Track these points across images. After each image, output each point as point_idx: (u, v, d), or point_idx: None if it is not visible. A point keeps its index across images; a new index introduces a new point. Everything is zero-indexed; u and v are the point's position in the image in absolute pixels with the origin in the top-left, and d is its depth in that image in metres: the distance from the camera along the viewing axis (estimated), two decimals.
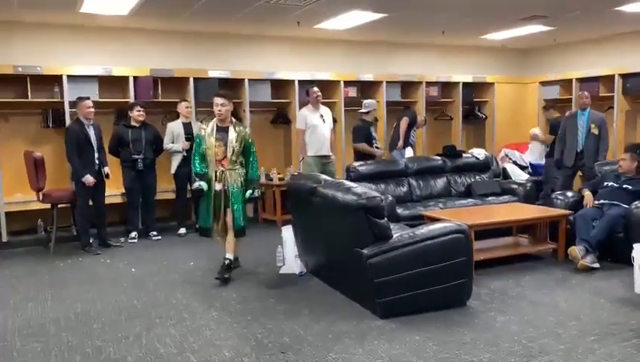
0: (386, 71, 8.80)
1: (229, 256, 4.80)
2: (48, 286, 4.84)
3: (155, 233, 6.66)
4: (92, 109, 6.04)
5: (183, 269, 5.29)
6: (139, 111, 6.48)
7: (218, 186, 4.71)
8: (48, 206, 6.18)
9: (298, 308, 4.07)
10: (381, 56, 8.97)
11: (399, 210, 5.86)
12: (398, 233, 3.92)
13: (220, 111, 4.68)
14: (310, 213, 4.61)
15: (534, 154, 8.94)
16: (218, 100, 4.69)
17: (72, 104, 6.44)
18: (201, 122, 5.40)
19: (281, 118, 8.23)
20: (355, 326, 3.66)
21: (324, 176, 4.68)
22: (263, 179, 7.48)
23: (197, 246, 6.21)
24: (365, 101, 7.39)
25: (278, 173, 7.43)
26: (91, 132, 6.03)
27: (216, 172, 4.73)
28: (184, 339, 3.52)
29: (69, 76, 6.60)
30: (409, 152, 7.77)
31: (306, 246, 4.86)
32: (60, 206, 6.22)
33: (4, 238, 6.37)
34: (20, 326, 3.82)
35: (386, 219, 3.85)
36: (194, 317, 3.93)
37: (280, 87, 8.06)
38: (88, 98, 6.12)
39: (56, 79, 6.64)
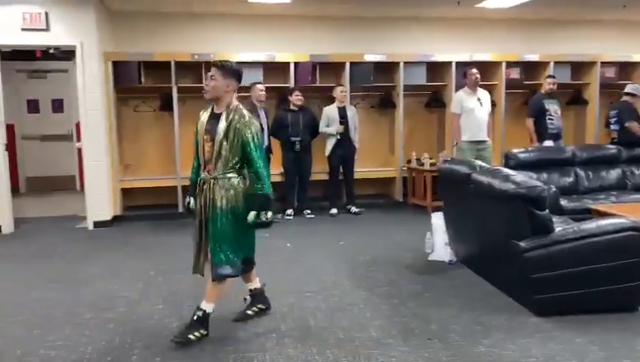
0: (553, 50, 8.13)
1: (204, 306, 3.29)
2: None
3: (308, 211, 6.97)
4: (264, 93, 6.47)
5: (333, 247, 5.46)
6: (297, 95, 6.79)
7: (202, 200, 3.26)
8: None
9: (446, 297, 3.99)
10: (548, 34, 8.31)
11: (563, 202, 5.42)
12: (561, 227, 3.64)
13: (205, 86, 3.38)
14: (463, 201, 4.45)
15: None
16: (210, 71, 3.30)
17: (241, 89, 6.92)
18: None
19: (435, 101, 8.05)
20: (507, 321, 3.48)
21: (479, 162, 4.48)
22: (414, 164, 7.41)
23: (347, 227, 6.39)
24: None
25: (430, 158, 7.29)
26: (262, 114, 6.47)
27: (199, 180, 3.32)
28: (333, 315, 3.65)
29: (238, 62, 7.08)
30: None
31: (457, 235, 4.72)
32: None
33: (180, 209, 7.13)
34: (191, 289, 4.23)
35: (547, 210, 3.58)
36: (342, 295, 4.05)
37: (435, 69, 7.87)
38: (260, 82, 6.56)
39: None
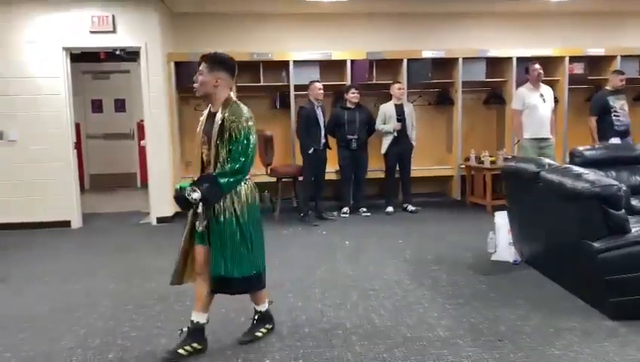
0: (619, 44, 7.81)
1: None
2: (274, 249, 5.35)
3: (364, 209, 6.95)
4: (322, 91, 6.51)
5: (391, 246, 5.43)
6: (353, 93, 6.79)
7: (199, 208, 2.94)
8: (274, 179, 6.86)
9: (513, 297, 3.89)
10: (614, 27, 8.00)
11: (634, 202, 5.19)
12: (638, 227, 3.49)
13: (194, 83, 3.04)
14: (530, 200, 4.34)
15: None
16: (200, 68, 3.01)
17: (297, 87, 7.05)
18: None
19: (494, 97, 7.88)
20: (580, 324, 3.37)
21: (547, 160, 4.36)
22: (473, 162, 7.28)
23: (405, 225, 6.35)
24: None
25: (490, 156, 7.14)
26: (319, 112, 6.51)
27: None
28: (397, 313, 3.63)
29: (294, 61, 7.17)
30: None
31: (523, 234, 4.60)
32: (283, 180, 6.86)
33: None
34: None
35: (623, 210, 3.45)
36: (405, 293, 4.02)
37: (495, 65, 7.70)
38: (319, 81, 6.61)
39: (284, 64, 7.27)
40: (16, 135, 6.47)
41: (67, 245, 5.83)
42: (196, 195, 2.81)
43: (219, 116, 2.92)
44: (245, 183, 3.00)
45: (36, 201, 6.53)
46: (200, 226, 2.94)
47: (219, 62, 2.98)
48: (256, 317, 3.31)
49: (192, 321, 3.07)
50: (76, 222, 6.65)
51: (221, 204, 2.93)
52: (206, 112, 3.06)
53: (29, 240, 6.01)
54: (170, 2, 6.93)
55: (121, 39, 6.58)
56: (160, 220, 6.77)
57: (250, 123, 2.92)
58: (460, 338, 3.21)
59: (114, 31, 6.48)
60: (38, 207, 6.54)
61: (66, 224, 6.62)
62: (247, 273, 3.05)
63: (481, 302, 3.82)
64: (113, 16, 6.45)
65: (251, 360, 3.01)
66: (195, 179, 2.93)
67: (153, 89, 6.68)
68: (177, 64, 7.03)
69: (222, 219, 2.94)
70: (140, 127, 7.01)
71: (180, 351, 3.02)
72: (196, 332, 3.07)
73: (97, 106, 9.86)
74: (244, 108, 2.96)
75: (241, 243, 3.00)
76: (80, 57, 8.03)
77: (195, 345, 3.05)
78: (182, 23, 7.42)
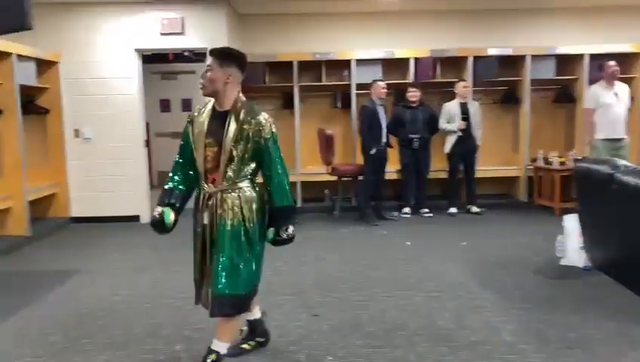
0: None
1: (216, 346, 2.83)
2: (334, 248, 5.43)
3: (426, 210, 6.86)
4: (385, 90, 6.48)
5: (455, 248, 5.33)
6: (411, 92, 6.71)
7: (203, 220, 2.74)
8: (335, 178, 6.88)
9: (583, 304, 3.74)
10: None
11: None
12: None
13: (201, 80, 2.70)
14: (604, 203, 4.14)
15: None
16: (207, 65, 2.72)
17: (359, 86, 7.05)
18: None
19: (564, 96, 7.56)
20: None
21: (623, 162, 4.14)
22: (540, 163, 7.03)
23: (469, 227, 6.23)
24: None
25: (559, 157, 6.87)
26: (381, 111, 6.48)
27: (200, 193, 2.77)
28: (462, 316, 3.56)
29: (356, 60, 7.17)
30: None
31: (595, 239, 4.40)
32: (344, 179, 6.87)
33: (299, 204, 7.33)
34: (316, 281, 4.36)
35: None
36: (469, 296, 3.94)
37: (565, 62, 7.39)
38: (381, 80, 6.58)
39: (346, 64, 7.28)
40: (91, 133, 6.81)
41: (136, 239, 6.08)
42: (291, 229, 2.77)
43: (233, 117, 2.64)
44: (252, 187, 2.73)
45: (108, 196, 6.85)
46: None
47: (230, 57, 2.70)
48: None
49: (247, 321, 3.07)
50: (145, 217, 6.93)
51: (232, 211, 2.67)
52: (207, 112, 2.73)
53: (101, 234, 6.32)
54: (236, 4, 7.09)
55: (189, 41, 6.79)
56: None
57: (274, 126, 2.72)
58: (526, 344, 3.11)
59: (183, 33, 6.70)
60: (110, 202, 6.86)
61: (136, 218, 6.91)
62: (255, 284, 2.86)
63: (549, 307, 3.69)
64: (182, 19, 6.67)
65: (314, 356, 3.04)
66: (273, 219, 2.75)
67: None
68: None
69: (228, 226, 2.67)
70: None
71: (244, 346, 3.06)
72: (256, 326, 3.09)
73: (165, 106, 10.22)
74: (261, 111, 2.70)
75: (252, 255, 2.76)
76: (150, 58, 8.35)
77: (257, 339, 3.10)
78: (247, 24, 7.57)
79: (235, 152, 2.63)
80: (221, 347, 2.81)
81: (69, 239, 6.16)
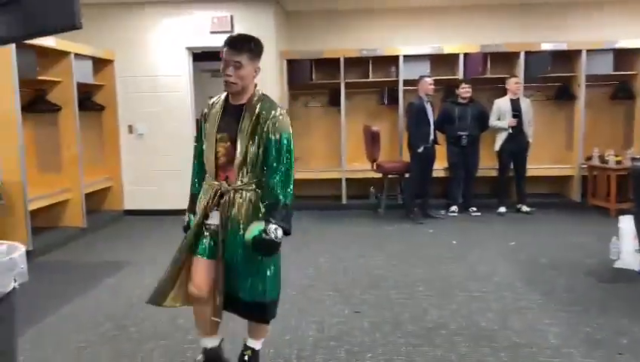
0: None
1: (252, 343, 2.71)
2: (378, 246, 5.40)
3: (474, 209, 6.73)
4: (432, 86, 6.39)
5: (503, 247, 5.21)
6: (464, 88, 6.58)
7: (213, 219, 2.52)
8: (380, 175, 6.85)
9: (637, 308, 3.59)
10: None
11: None
12: None
13: (228, 77, 2.40)
14: None
15: None
16: (229, 54, 2.40)
17: (406, 82, 6.98)
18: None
19: (622, 92, 7.24)
20: None
21: None
22: (595, 161, 6.76)
23: (518, 226, 6.08)
24: None
25: (616, 156, 6.58)
26: (429, 108, 6.40)
27: (209, 190, 2.54)
28: (505, 317, 3.48)
29: (404, 56, 7.10)
30: None
31: None
32: (390, 176, 6.83)
33: (344, 201, 7.33)
34: (358, 278, 4.36)
35: None
36: (515, 297, 3.85)
37: (624, 57, 7.06)
38: (429, 76, 6.49)
39: (393, 60, 7.22)
40: (144, 129, 7.03)
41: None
42: (280, 232, 2.36)
43: (249, 111, 2.43)
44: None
45: (159, 191, 7.06)
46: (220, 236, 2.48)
47: (259, 49, 2.46)
48: (246, 357, 2.69)
49: (204, 349, 2.69)
50: None
51: (247, 212, 2.46)
52: (219, 105, 2.53)
53: (153, 227, 6.52)
54: (284, 1, 7.16)
55: None
56: None
57: (290, 125, 2.49)
58: (573, 348, 3.01)
59: (232, 30, 6.81)
60: (161, 196, 7.06)
61: (184, 212, 7.07)
62: (277, 295, 2.61)
63: (600, 310, 3.56)
64: (231, 17, 6.79)
65: (354, 352, 3.04)
66: (266, 213, 2.40)
67: (266, 86, 6.87)
68: (289, 62, 7.24)
69: (241, 230, 2.44)
70: None
71: None
72: (214, 358, 2.69)
73: None
74: (279, 105, 2.52)
75: (271, 260, 2.52)
76: (200, 56, 8.54)
77: None
78: (294, 21, 7.63)
79: (250, 149, 2.41)
80: (257, 344, 2.70)
81: (122, 231, 6.40)
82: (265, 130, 2.41)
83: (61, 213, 6.10)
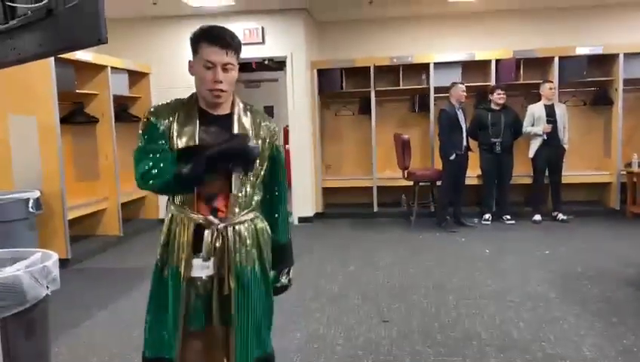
0: None
1: None
2: (409, 254, 5.36)
3: (508, 217, 6.60)
4: (465, 93, 6.34)
5: (538, 257, 5.09)
6: (499, 94, 6.49)
7: (202, 271, 1.89)
8: (411, 183, 6.80)
9: None
10: None
11: None
12: None
13: (219, 84, 1.86)
14: None
15: None
16: (216, 54, 1.87)
17: (437, 89, 6.93)
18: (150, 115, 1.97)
19: None
20: None
21: None
22: (635, 168, 6.56)
23: (554, 235, 5.94)
24: None
25: None
26: (461, 115, 6.33)
27: (188, 229, 1.90)
28: (539, 328, 3.40)
29: (435, 63, 7.05)
30: None
31: None
32: (421, 184, 6.77)
33: (375, 209, 7.31)
34: (388, 287, 4.33)
35: None
36: (549, 307, 3.75)
37: None
38: (462, 82, 6.44)
39: (424, 67, 7.18)
40: None
41: None
42: (292, 273, 2.11)
43: (237, 122, 1.92)
44: (261, 216, 2.00)
45: None
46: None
47: (240, 45, 1.93)
48: None
49: None
50: None
51: (252, 253, 1.93)
52: (187, 118, 1.91)
53: None
54: (314, 11, 7.22)
55: (270, 50, 6.99)
56: (301, 220, 7.06)
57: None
58: (609, 359, 2.93)
59: (263, 42, 6.91)
60: None
61: None
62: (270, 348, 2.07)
63: (637, 321, 3.44)
64: (262, 28, 6.88)
65: (380, 361, 3.03)
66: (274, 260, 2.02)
67: (298, 96, 7.01)
68: (320, 71, 7.28)
69: (249, 273, 1.92)
70: (285, 133, 7.39)
71: None
72: None
73: None
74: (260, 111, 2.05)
75: (270, 305, 2.06)
76: None
77: None
78: (324, 31, 7.68)
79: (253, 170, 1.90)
80: None
81: (156, 239, 6.50)
82: (268, 143, 1.97)
83: (98, 221, 6.28)
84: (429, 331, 3.41)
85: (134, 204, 7.08)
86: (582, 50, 6.78)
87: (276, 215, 2.06)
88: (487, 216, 6.66)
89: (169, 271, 1.91)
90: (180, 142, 1.85)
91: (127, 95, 6.81)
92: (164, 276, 1.93)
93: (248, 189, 1.90)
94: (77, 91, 5.81)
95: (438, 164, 6.61)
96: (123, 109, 6.90)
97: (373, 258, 5.21)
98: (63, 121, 5.58)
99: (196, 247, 1.86)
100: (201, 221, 1.87)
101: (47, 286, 2.02)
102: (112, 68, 6.17)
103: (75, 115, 6.05)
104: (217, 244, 1.86)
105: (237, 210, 1.89)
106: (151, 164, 1.80)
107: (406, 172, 6.74)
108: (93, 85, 6.11)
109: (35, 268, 2.01)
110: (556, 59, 6.81)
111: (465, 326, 3.48)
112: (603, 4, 7.06)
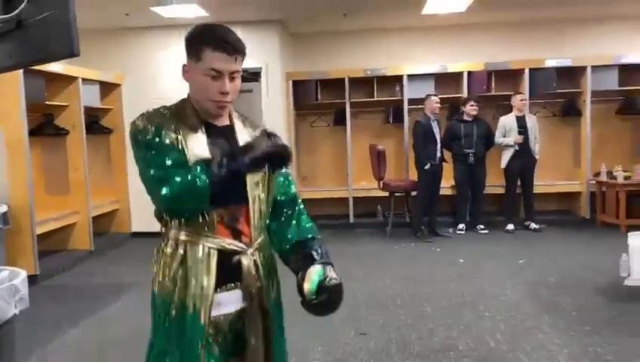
0: None
1: None
2: (385, 265, 5.36)
3: (482, 226, 6.67)
4: (439, 105, 6.41)
5: (511, 266, 5.15)
6: (472, 105, 6.58)
7: (226, 306, 1.66)
8: (387, 194, 6.82)
9: None
10: None
11: None
12: None
13: (225, 96, 1.63)
14: None
15: None
16: (224, 61, 1.59)
17: (411, 101, 7.00)
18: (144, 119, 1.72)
19: (629, 107, 7.22)
20: None
21: None
22: (604, 177, 6.71)
23: (526, 244, 6.01)
24: None
25: (624, 171, 6.53)
26: (435, 126, 6.40)
27: (214, 255, 1.61)
28: (514, 338, 3.43)
29: (408, 76, 7.12)
30: None
31: None
32: (396, 194, 6.80)
33: (351, 219, 7.31)
34: (365, 299, 4.32)
35: None
36: (524, 317, 3.79)
37: (630, 72, 7.04)
38: (435, 95, 6.51)
39: (398, 79, 7.25)
40: None
41: None
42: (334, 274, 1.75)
43: (239, 133, 1.72)
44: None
45: None
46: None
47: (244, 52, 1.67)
48: None
49: None
50: None
51: (274, 282, 1.82)
52: (193, 128, 1.65)
53: None
54: (289, 23, 7.23)
55: (245, 61, 6.93)
56: None
57: None
58: None
59: None
60: None
61: None
62: None
63: (610, 330, 3.49)
64: None
65: None
66: (318, 259, 1.77)
67: (272, 107, 6.99)
68: (295, 82, 7.28)
69: (272, 298, 1.80)
70: None
71: None
72: None
73: None
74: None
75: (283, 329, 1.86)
76: None
77: None
78: (299, 43, 7.69)
79: (262, 187, 1.69)
80: None
81: (129, 254, 6.40)
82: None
83: (68, 235, 6.12)
84: (407, 343, 3.41)
85: (105, 217, 6.93)
86: (551, 63, 6.93)
87: (297, 212, 1.80)
88: (461, 225, 6.72)
89: (181, 310, 1.60)
90: (192, 155, 1.58)
91: (98, 106, 6.69)
92: (172, 317, 1.63)
93: (259, 216, 1.67)
94: (47, 103, 5.69)
95: (413, 175, 6.67)
96: (94, 121, 6.77)
97: (349, 269, 5.19)
98: (32, 133, 5.45)
99: (219, 279, 1.60)
100: (227, 246, 1.60)
101: (15, 306, 1.94)
102: (83, 79, 6.06)
103: (44, 126, 5.92)
104: (253, 272, 1.63)
105: (258, 238, 1.67)
106: (179, 180, 1.55)
107: (381, 183, 6.77)
108: (64, 96, 5.98)
109: (2, 286, 1.94)
110: (527, 71, 6.96)
111: (442, 336, 3.49)
112: (572, 18, 7.24)
